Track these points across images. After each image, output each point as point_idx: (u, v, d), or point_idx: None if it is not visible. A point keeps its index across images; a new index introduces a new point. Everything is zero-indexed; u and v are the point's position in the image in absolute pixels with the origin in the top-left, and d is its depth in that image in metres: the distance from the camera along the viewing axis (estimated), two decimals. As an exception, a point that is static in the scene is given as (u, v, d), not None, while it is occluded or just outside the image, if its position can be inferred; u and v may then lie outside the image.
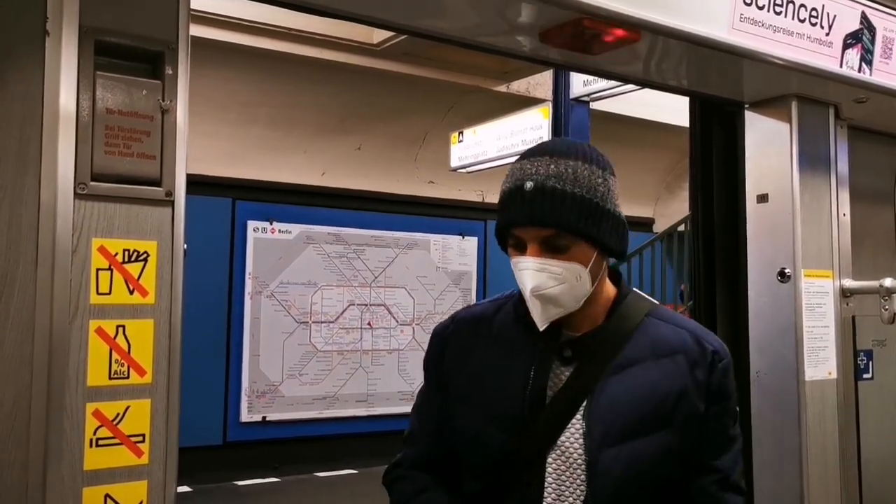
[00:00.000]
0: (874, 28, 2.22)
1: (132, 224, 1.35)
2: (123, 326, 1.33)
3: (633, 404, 1.35)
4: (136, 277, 1.34)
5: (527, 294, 1.34)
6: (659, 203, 10.54)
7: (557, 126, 5.81)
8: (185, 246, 1.41)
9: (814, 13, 2.09)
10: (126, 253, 1.34)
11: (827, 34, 2.13)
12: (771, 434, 2.30)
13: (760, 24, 2.00)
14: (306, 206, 7.59)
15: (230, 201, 7.41)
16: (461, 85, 7.41)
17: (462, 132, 7.27)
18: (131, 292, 1.34)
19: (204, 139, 6.85)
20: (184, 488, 6.42)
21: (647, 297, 1.52)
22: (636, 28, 1.84)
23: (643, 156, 9.36)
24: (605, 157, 1.41)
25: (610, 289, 1.46)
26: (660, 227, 10.02)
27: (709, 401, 1.38)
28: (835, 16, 2.14)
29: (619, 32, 1.86)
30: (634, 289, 1.51)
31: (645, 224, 10.40)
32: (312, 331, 7.64)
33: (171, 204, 1.39)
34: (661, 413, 1.35)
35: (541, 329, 1.36)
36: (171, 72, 1.39)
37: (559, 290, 1.33)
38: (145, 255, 1.35)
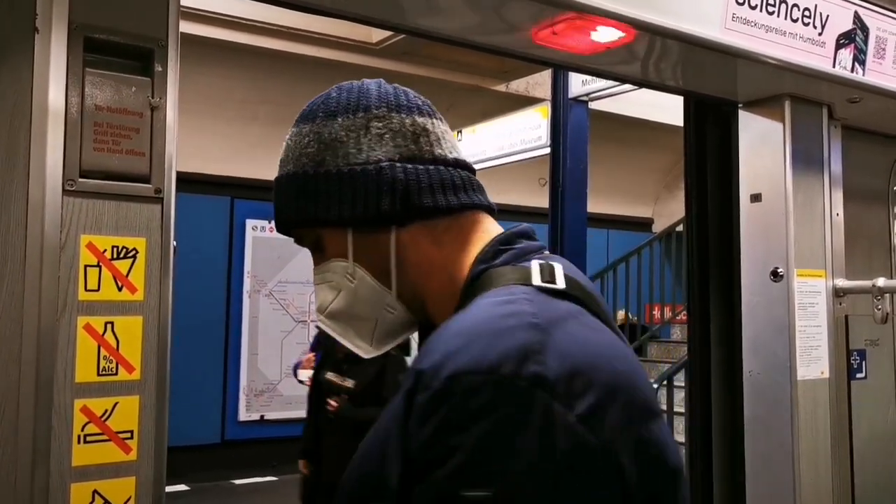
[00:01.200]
0: (867, 28, 2.22)
1: (121, 221, 1.35)
2: (112, 323, 1.33)
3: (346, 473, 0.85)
4: (124, 274, 1.35)
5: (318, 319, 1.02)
6: (658, 203, 10.55)
7: (556, 125, 5.83)
8: (175, 243, 1.42)
9: (806, 13, 2.09)
10: (115, 249, 1.34)
11: (820, 34, 2.13)
12: (763, 433, 2.30)
13: (753, 24, 2.00)
14: (305, 204, 7.61)
15: (229, 200, 7.44)
16: (460, 84, 7.43)
17: (461, 131, 7.28)
18: (120, 289, 1.34)
19: (202, 137, 6.86)
20: (181, 487, 6.43)
21: (523, 267, 0.91)
22: (629, 27, 1.84)
23: (642, 156, 9.39)
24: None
25: (462, 264, 0.97)
26: (659, 227, 10.05)
27: (409, 468, 0.73)
28: (827, 16, 2.14)
29: (612, 31, 1.87)
30: (520, 264, 0.93)
31: (644, 224, 10.41)
32: (311, 329, 7.65)
33: (161, 201, 1.39)
34: (367, 489, 0.79)
35: (367, 356, 1.01)
36: (160, 69, 1.39)
37: (341, 301, 0.99)
38: (134, 251, 1.36)
